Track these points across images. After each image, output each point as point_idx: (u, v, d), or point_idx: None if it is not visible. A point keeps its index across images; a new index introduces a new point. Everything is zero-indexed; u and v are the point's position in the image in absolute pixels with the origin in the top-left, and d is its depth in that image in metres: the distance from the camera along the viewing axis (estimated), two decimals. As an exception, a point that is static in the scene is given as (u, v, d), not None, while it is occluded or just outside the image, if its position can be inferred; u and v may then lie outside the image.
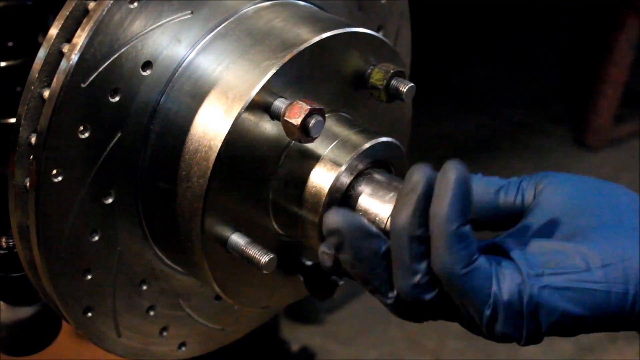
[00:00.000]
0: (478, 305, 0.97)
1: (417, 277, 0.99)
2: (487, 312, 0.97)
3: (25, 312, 1.32)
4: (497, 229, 1.11)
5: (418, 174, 0.99)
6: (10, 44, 1.46)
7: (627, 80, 4.34)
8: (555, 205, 1.06)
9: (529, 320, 0.97)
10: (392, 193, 1.12)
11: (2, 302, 1.32)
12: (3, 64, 1.45)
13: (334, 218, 1.00)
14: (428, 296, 1.00)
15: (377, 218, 1.11)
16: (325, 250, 1.04)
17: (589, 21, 4.79)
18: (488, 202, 1.11)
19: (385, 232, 1.09)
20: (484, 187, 1.12)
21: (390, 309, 1.04)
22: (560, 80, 4.93)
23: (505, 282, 0.97)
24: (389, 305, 1.03)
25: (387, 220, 1.10)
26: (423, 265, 0.99)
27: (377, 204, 1.12)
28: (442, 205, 0.96)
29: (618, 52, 4.24)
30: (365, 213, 1.13)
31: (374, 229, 1.01)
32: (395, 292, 1.02)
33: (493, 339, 1.00)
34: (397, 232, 0.99)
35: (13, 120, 1.44)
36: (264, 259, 1.13)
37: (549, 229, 1.04)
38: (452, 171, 0.96)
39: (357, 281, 1.04)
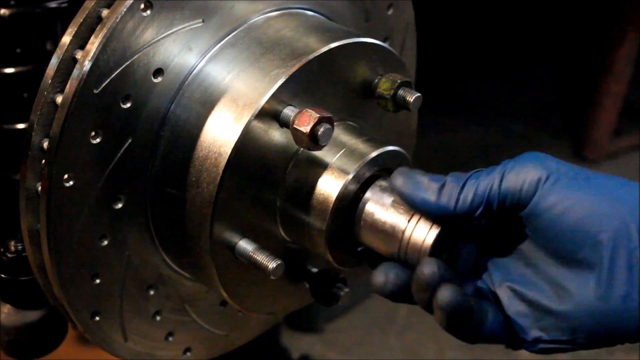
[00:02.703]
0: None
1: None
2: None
3: (32, 315, 1.33)
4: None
5: (429, 274, 1.04)
6: (18, 50, 1.47)
7: (626, 94, 4.36)
8: (561, 225, 1.03)
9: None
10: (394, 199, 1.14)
11: (9, 306, 1.33)
12: (11, 70, 1.46)
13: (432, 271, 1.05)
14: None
15: (384, 227, 1.13)
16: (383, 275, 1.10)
17: (589, 36, 4.81)
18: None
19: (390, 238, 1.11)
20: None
21: None
22: (559, 93, 4.94)
23: (512, 344, 1.10)
24: None
25: (391, 227, 1.12)
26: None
27: (383, 213, 1.13)
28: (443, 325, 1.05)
29: (617, 66, 4.26)
30: (372, 221, 1.14)
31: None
32: None
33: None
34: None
35: (21, 125, 1.46)
36: (272, 264, 1.14)
37: (546, 263, 1.07)
38: (441, 302, 1.03)
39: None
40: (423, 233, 1.09)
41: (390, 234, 1.11)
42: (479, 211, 1.06)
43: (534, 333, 1.07)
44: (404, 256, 1.11)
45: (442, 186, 1.07)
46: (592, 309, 1.02)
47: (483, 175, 1.06)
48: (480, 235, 1.14)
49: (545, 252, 1.06)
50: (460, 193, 1.06)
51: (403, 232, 1.10)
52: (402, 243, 1.10)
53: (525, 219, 1.05)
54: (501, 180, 1.05)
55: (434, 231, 1.08)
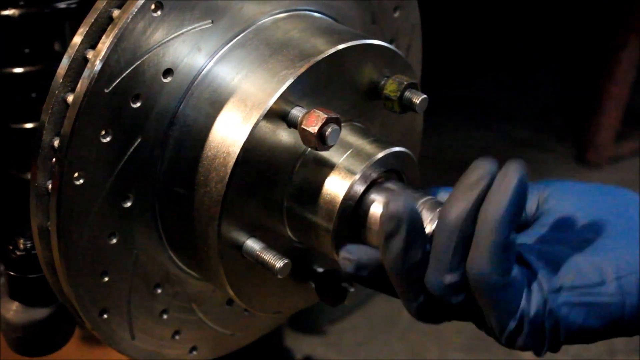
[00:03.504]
0: (504, 316, 0.97)
1: (454, 277, 0.96)
2: (512, 325, 0.98)
3: (40, 313, 1.34)
4: None
5: (484, 168, 0.95)
6: (27, 50, 1.48)
7: (628, 99, 4.37)
8: (562, 214, 1.07)
9: (550, 334, 0.98)
10: None
11: (17, 303, 1.34)
12: (20, 70, 1.47)
13: (401, 203, 0.95)
14: (457, 298, 0.97)
15: None
16: (347, 257, 1.06)
17: (592, 40, 4.82)
18: None
19: None
20: None
21: (414, 312, 1.03)
22: (562, 97, 4.95)
23: (533, 298, 0.97)
24: (414, 307, 1.02)
25: None
26: (463, 266, 0.96)
27: None
28: (498, 209, 0.92)
29: (620, 70, 4.27)
30: (378, 222, 1.15)
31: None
32: (423, 297, 1.00)
33: (511, 347, 1.00)
34: (448, 225, 0.95)
35: (29, 125, 1.47)
36: (279, 264, 1.15)
37: (558, 239, 1.05)
38: (514, 174, 0.93)
39: (390, 278, 1.01)
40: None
41: None
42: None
43: (559, 282, 0.97)
44: None
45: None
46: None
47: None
48: None
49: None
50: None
51: None
52: None
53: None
54: None
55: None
